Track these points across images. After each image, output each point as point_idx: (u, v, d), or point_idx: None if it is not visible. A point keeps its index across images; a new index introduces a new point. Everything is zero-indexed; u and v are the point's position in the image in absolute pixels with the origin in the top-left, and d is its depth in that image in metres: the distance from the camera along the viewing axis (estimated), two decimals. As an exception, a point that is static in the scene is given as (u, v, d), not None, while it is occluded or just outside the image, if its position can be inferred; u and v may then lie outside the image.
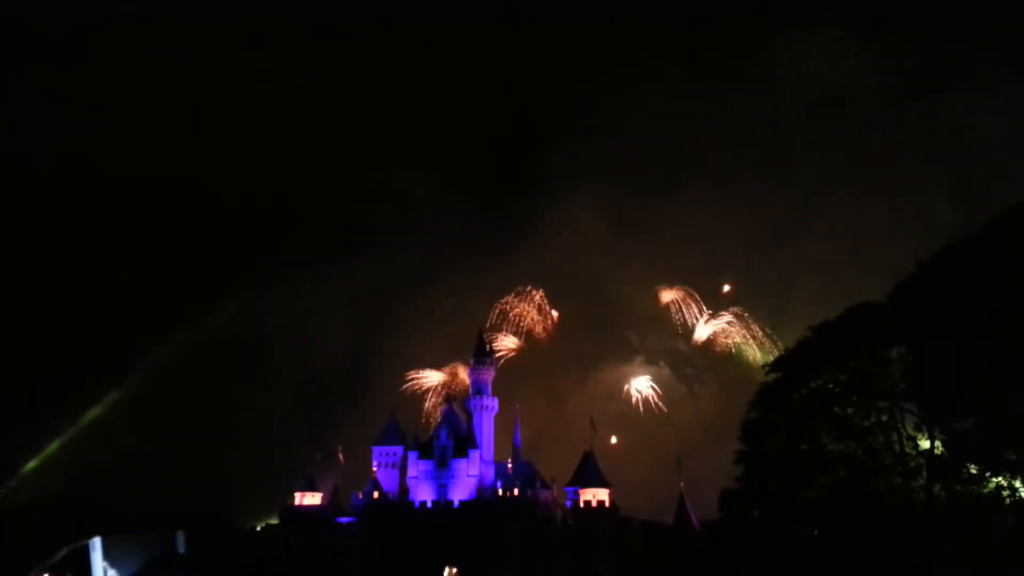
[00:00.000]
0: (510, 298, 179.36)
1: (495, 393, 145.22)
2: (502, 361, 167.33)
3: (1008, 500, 39.37)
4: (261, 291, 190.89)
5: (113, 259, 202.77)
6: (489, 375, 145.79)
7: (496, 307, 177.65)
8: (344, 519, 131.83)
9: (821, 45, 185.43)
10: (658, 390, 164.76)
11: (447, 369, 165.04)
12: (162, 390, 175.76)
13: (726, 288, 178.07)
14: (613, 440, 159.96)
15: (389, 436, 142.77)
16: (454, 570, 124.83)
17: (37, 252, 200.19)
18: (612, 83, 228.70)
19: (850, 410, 46.50)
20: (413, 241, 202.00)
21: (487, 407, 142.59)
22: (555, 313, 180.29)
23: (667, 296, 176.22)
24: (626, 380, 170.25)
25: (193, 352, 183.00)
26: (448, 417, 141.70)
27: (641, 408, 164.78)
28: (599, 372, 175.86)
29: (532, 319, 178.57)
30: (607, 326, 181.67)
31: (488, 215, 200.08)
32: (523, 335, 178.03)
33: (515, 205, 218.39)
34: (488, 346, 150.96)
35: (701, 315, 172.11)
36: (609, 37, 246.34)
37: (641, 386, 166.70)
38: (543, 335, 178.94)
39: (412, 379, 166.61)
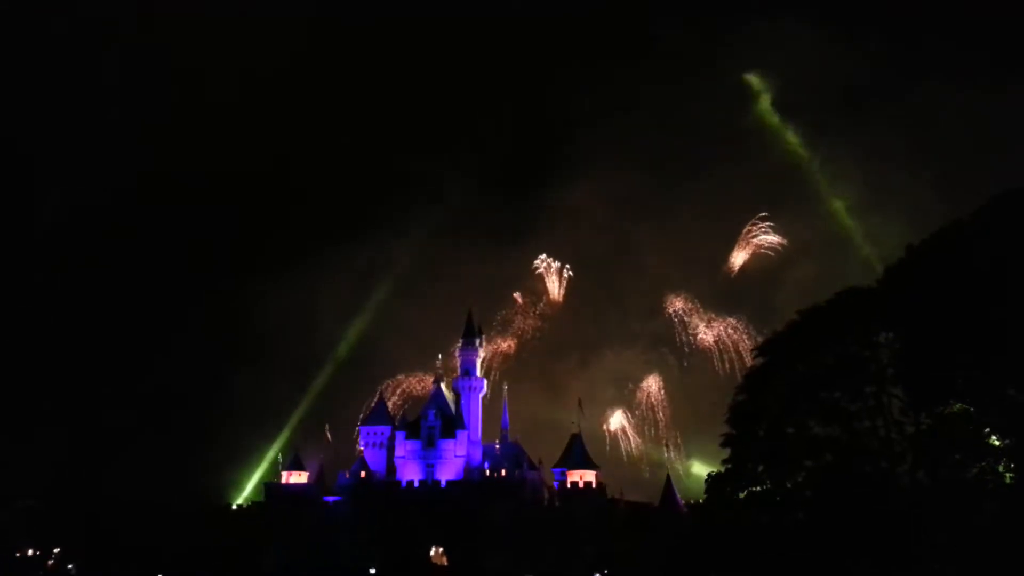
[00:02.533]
0: (514, 307, 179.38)
1: (492, 379, 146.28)
2: (498, 359, 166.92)
3: (992, 486, 39.49)
4: (262, 272, 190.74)
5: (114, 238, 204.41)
6: (477, 356, 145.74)
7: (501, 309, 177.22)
8: (330, 498, 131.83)
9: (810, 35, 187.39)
10: (660, 394, 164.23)
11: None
12: (155, 371, 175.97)
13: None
14: (613, 426, 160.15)
15: (377, 416, 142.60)
16: (440, 550, 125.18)
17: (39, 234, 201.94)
18: (616, 75, 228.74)
19: (837, 394, 46.42)
20: (415, 226, 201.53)
21: (475, 388, 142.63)
22: (559, 291, 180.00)
23: (672, 305, 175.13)
24: (627, 366, 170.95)
25: (191, 335, 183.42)
26: (436, 397, 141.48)
27: (646, 404, 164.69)
28: (601, 358, 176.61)
29: (531, 322, 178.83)
30: (611, 312, 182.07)
31: (500, 200, 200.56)
32: (529, 318, 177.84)
33: (527, 191, 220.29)
34: (477, 327, 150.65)
35: (703, 320, 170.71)
36: (611, 30, 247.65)
37: (649, 386, 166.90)
38: (540, 328, 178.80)
39: (401, 383, 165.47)
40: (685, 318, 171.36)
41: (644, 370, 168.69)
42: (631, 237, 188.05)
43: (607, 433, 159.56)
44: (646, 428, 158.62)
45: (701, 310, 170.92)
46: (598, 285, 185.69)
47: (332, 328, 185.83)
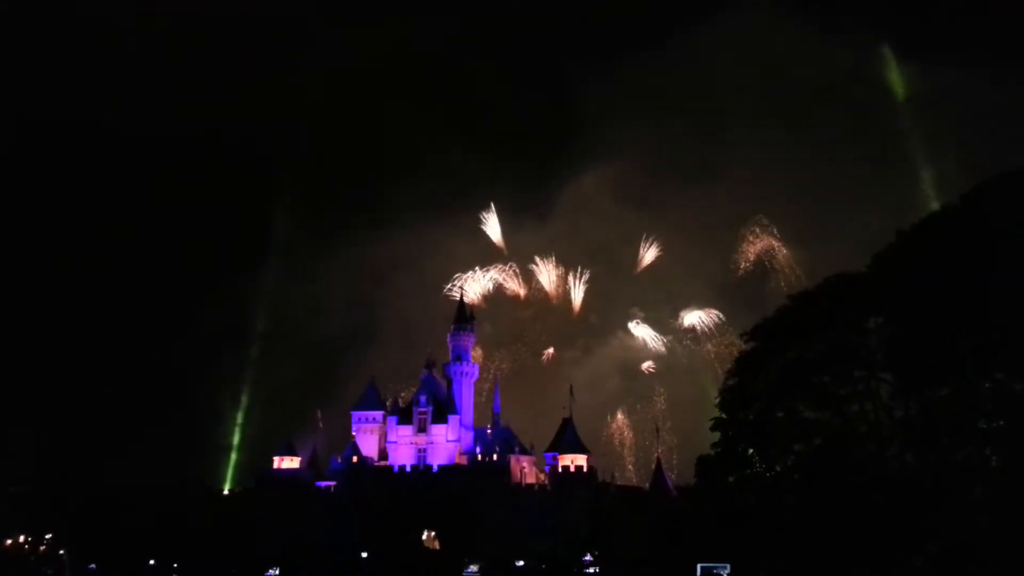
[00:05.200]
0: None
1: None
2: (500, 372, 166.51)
3: (980, 469, 39.89)
4: (261, 268, 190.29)
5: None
6: (469, 341, 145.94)
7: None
8: (323, 483, 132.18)
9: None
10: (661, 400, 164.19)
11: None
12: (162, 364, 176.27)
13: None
14: (619, 418, 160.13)
15: (369, 401, 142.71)
16: (432, 534, 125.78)
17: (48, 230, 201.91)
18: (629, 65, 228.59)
19: (827, 379, 46.66)
20: (427, 214, 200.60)
21: (466, 373, 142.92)
22: (551, 281, 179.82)
23: (689, 320, 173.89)
24: (629, 355, 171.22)
25: (191, 331, 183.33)
26: (428, 383, 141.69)
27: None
28: (605, 345, 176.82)
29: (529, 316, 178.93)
30: (615, 300, 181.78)
31: (509, 186, 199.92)
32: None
33: (538, 178, 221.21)
34: (469, 312, 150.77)
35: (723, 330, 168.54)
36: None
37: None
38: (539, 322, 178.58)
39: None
40: (708, 329, 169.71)
41: (647, 356, 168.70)
42: (638, 228, 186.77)
43: (608, 425, 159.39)
44: (644, 436, 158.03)
45: (724, 321, 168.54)
46: (606, 275, 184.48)
47: (325, 315, 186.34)
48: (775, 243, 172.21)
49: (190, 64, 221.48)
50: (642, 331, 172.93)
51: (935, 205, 47.47)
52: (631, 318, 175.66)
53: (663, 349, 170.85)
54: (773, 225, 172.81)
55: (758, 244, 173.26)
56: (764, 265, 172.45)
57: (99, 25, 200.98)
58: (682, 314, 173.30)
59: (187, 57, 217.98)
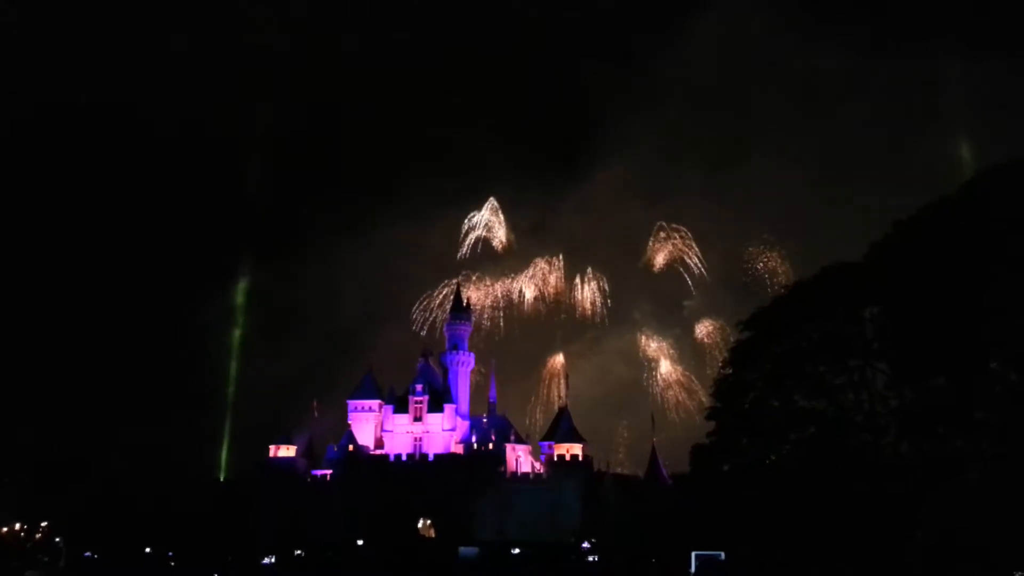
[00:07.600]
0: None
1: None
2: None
3: (976, 460, 39.96)
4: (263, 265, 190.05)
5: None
6: (466, 331, 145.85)
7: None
8: (319, 472, 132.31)
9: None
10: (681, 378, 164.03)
11: None
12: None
13: None
14: (623, 429, 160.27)
15: (365, 390, 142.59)
16: (428, 522, 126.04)
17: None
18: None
19: (822, 368, 46.69)
20: (431, 207, 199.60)
21: (463, 362, 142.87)
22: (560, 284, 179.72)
23: (701, 330, 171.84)
24: (632, 347, 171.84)
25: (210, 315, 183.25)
26: (424, 372, 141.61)
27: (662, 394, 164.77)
28: (609, 339, 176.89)
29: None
30: (621, 296, 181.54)
31: (514, 185, 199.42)
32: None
33: (543, 176, 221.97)
34: (465, 302, 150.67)
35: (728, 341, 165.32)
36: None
37: (665, 370, 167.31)
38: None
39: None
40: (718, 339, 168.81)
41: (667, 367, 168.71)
42: (645, 224, 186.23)
43: (605, 415, 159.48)
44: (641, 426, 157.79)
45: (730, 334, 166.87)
46: (613, 271, 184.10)
47: (324, 305, 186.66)
48: (777, 258, 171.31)
49: (203, 58, 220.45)
50: (648, 341, 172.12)
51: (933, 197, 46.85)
52: (636, 314, 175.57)
53: (666, 347, 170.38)
54: (775, 236, 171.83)
55: (762, 260, 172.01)
56: (765, 280, 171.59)
57: (99, 25, 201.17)
58: (686, 304, 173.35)
59: (199, 51, 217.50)
